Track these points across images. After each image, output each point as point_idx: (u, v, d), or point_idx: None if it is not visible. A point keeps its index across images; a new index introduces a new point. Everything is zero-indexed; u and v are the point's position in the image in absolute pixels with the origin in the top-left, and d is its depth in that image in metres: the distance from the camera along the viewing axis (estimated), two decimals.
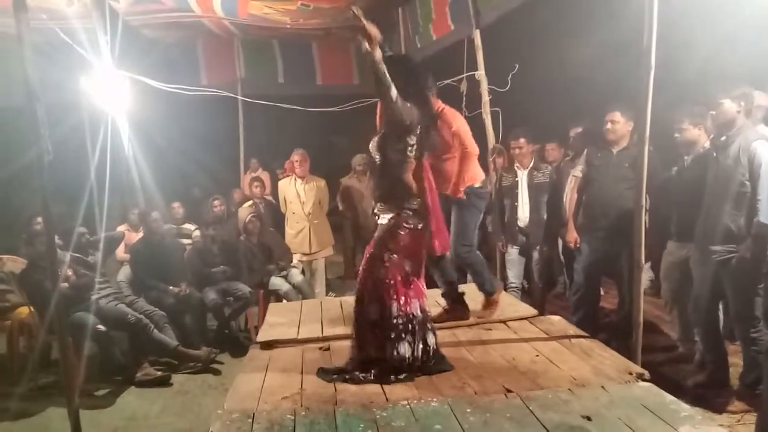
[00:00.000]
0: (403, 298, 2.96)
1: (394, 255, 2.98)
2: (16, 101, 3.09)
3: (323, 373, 3.05)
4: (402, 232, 2.99)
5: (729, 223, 3.47)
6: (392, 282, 2.95)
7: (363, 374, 2.94)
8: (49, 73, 4.63)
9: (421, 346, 2.99)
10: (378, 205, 3.11)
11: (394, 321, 2.93)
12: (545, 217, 5.18)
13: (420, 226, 3.02)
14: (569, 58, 6.33)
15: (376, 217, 3.12)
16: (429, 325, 3.09)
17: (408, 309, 2.97)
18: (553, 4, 6.10)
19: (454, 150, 3.65)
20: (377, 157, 3.06)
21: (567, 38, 6.44)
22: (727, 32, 4.19)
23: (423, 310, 3.06)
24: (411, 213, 3.00)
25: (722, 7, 4.09)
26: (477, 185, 3.74)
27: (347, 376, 2.95)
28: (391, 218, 3.02)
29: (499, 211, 5.28)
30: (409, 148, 2.98)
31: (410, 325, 2.97)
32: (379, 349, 2.94)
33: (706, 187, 3.62)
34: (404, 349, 2.93)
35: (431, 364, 3.02)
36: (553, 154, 5.77)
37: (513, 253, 5.27)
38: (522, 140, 5.16)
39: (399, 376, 2.91)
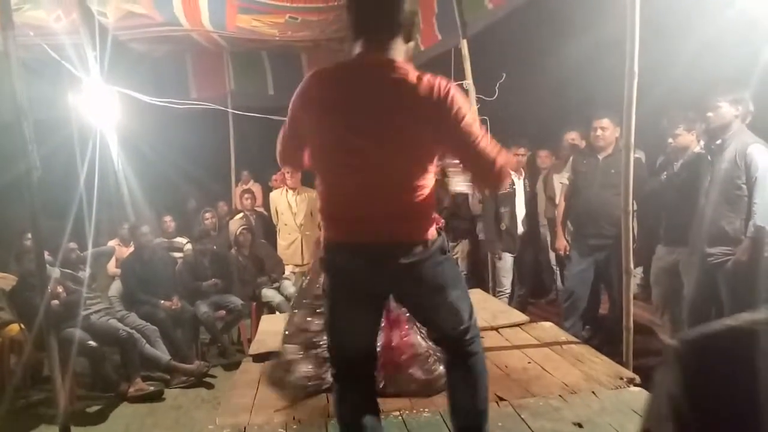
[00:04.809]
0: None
1: None
2: (3, 118, 3.08)
3: None
4: None
5: (725, 226, 3.50)
6: None
7: None
8: (38, 88, 4.64)
9: None
10: None
11: None
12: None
13: None
14: (555, 66, 6.38)
15: None
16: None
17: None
18: (538, 14, 6.15)
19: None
20: None
21: (552, 46, 6.48)
22: (709, 38, 4.24)
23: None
24: None
25: (703, 12, 4.14)
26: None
27: None
28: None
29: (495, 219, 5.28)
30: None
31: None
32: None
33: (701, 191, 3.65)
34: None
35: None
36: (547, 161, 5.80)
37: (508, 260, 5.28)
38: (522, 149, 5.22)
39: None
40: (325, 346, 2.22)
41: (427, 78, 1.84)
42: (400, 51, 1.90)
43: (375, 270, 1.91)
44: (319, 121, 1.89)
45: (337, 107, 1.85)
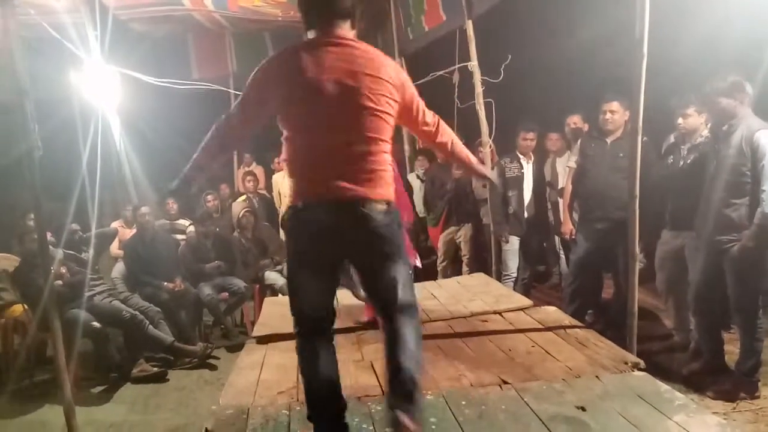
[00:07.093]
0: None
1: None
2: (4, 97, 3.05)
3: None
4: None
5: (730, 213, 3.46)
6: None
7: None
8: (39, 68, 4.59)
9: None
10: None
11: None
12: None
13: None
14: (562, 48, 6.30)
15: None
16: None
17: None
18: None
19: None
20: None
21: (560, 27, 6.41)
22: (719, 20, 4.18)
23: None
24: None
25: None
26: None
27: None
28: None
29: (503, 202, 5.25)
30: None
31: None
32: None
33: (707, 176, 3.61)
34: None
35: None
36: (557, 144, 5.70)
37: (515, 243, 5.27)
38: (532, 133, 5.20)
39: None
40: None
41: (386, 57, 2.16)
42: (351, 35, 2.18)
43: (342, 225, 2.06)
44: (292, 90, 2.08)
45: (311, 75, 2.04)
